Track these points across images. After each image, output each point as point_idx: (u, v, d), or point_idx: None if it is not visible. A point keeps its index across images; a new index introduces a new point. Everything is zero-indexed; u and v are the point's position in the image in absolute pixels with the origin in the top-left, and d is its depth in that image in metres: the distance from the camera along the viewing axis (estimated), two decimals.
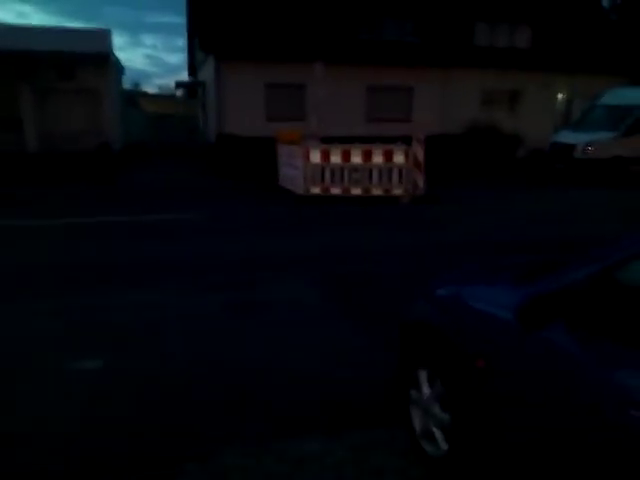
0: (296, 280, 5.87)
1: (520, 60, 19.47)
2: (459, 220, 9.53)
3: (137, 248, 7.47)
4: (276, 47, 17.02)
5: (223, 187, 14.10)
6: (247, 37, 17.00)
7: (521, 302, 2.02)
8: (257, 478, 2.63)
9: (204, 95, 22.37)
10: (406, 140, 11.60)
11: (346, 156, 11.38)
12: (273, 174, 13.86)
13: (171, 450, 2.85)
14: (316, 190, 11.53)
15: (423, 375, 2.71)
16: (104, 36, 17.98)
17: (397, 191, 11.46)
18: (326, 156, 11.42)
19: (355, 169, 11.45)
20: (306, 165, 11.44)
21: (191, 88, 26.19)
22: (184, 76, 28.34)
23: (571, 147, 15.18)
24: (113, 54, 18.85)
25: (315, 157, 11.44)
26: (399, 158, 11.39)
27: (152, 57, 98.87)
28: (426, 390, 2.67)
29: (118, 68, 21.28)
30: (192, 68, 26.10)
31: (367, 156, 11.36)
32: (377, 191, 11.50)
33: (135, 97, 29.95)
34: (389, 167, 11.43)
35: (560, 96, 20.73)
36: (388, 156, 11.37)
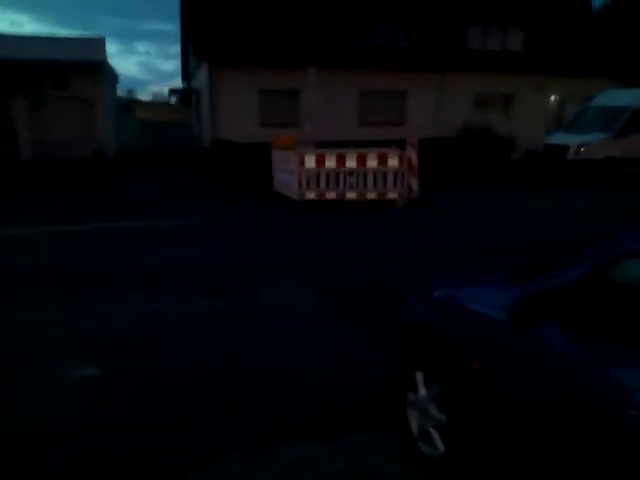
0: (297, 283, 5.91)
1: (513, 63, 19.59)
2: (453, 223, 9.57)
3: (137, 253, 7.49)
4: (269, 53, 17.07)
5: (218, 193, 14.09)
6: (241, 43, 17.05)
7: (514, 302, 2.04)
8: None
9: (198, 101, 22.39)
10: (400, 144, 11.65)
11: (341, 161, 11.41)
12: (268, 180, 13.88)
13: (171, 452, 2.86)
14: (311, 195, 11.55)
15: (420, 377, 2.71)
16: (98, 44, 18.00)
17: (392, 195, 11.49)
18: (321, 161, 11.45)
19: (350, 173, 11.48)
20: (301, 170, 11.46)
21: (185, 95, 26.20)
22: (178, 83, 28.41)
23: (564, 148, 15.27)
24: (107, 62, 18.86)
25: (310, 162, 11.46)
26: (393, 162, 11.43)
27: (146, 64, 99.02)
28: (423, 392, 2.68)
29: (112, 76, 21.29)
30: (186, 75, 26.12)
31: (362, 160, 11.40)
32: (372, 195, 11.53)
33: (129, 104, 29.94)
34: (384, 171, 11.47)
35: (553, 98, 20.87)
36: (382, 160, 11.42)
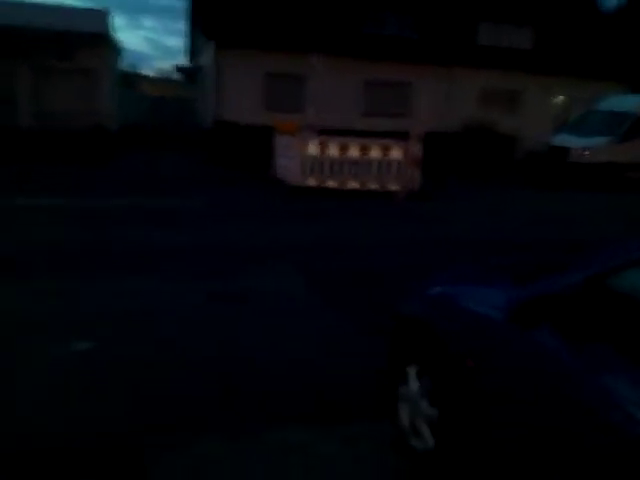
0: (291, 269, 5.90)
1: (522, 61, 19.45)
2: (453, 217, 9.57)
3: (130, 233, 7.43)
4: (277, 37, 16.90)
5: (218, 174, 14.03)
6: (249, 25, 16.87)
7: (512, 303, 2.04)
8: (239, 468, 2.63)
9: (203, 80, 22.19)
10: (404, 136, 11.60)
11: (343, 149, 11.36)
12: (269, 163, 13.81)
13: (159, 433, 2.87)
14: (312, 182, 11.50)
15: (412, 371, 2.72)
16: (102, 16, 17.77)
17: (393, 186, 11.46)
18: (323, 148, 11.39)
19: (352, 162, 11.43)
20: (302, 156, 11.40)
21: (190, 72, 25.98)
22: (183, 59, 28.12)
23: (568, 151, 15.23)
24: (111, 35, 18.62)
25: (312, 149, 11.40)
26: (396, 153, 11.39)
27: (151, 40, 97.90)
28: (414, 385, 2.68)
29: (116, 49, 21.01)
30: (192, 52, 25.86)
31: (365, 150, 11.34)
32: (373, 185, 11.49)
33: (133, 79, 29.62)
34: (386, 162, 11.43)
35: (559, 99, 20.77)
36: (386, 151, 11.37)
